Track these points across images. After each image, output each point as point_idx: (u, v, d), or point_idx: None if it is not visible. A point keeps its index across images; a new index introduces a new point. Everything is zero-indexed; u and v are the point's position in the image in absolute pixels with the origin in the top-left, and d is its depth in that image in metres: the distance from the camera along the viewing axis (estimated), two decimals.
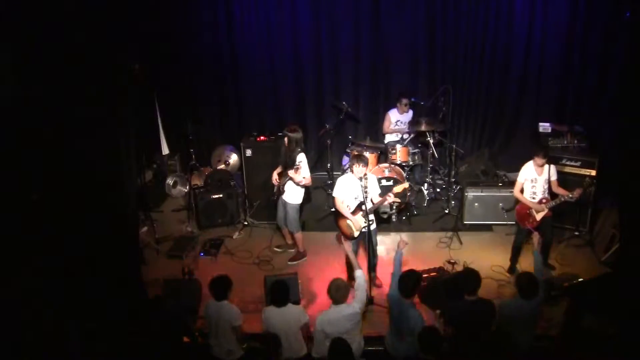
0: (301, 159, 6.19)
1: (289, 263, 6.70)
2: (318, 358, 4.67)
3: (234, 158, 8.69)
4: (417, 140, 8.13)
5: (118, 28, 5.27)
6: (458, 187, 7.99)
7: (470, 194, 7.29)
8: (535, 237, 5.44)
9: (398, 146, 7.67)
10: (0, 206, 4.62)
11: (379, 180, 6.99)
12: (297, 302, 5.41)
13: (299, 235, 6.61)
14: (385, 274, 5.99)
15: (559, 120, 8.09)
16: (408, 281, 4.66)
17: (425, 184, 8.10)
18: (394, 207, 7.26)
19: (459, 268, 6.15)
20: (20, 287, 4.69)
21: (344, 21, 8.38)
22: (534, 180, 6.01)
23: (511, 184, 6.72)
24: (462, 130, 8.91)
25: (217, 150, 8.83)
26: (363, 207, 5.67)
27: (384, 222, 7.37)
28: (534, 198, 6.03)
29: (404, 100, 7.95)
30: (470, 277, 4.75)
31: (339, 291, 4.65)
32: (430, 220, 7.60)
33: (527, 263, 6.30)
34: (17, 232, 4.68)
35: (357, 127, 8.89)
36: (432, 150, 7.82)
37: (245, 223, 7.58)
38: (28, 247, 4.73)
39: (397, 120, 8.11)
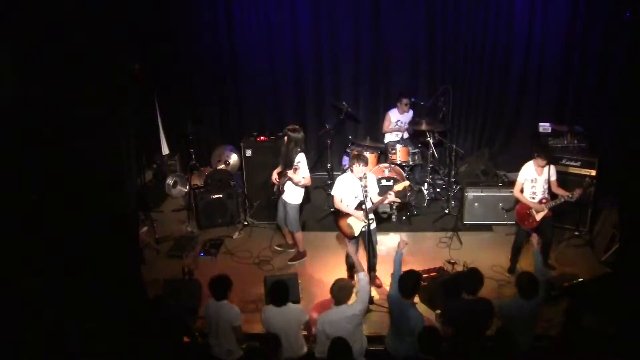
0: (300, 159, 6.19)
1: (289, 263, 6.71)
2: (321, 358, 4.67)
3: (234, 158, 8.69)
4: (417, 140, 8.14)
5: (118, 28, 5.26)
6: (458, 187, 7.99)
7: (470, 194, 7.29)
8: (534, 238, 5.45)
9: (398, 146, 7.67)
10: (0, 206, 4.62)
11: (379, 180, 7.00)
12: (296, 302, 5.41)
13: (299, 235, 6.61)
14: (385, 274, 5.99)
15: (559, 120, 8.09)
16: (408, 281, 4.66)
17: (425, 184, 8.10)
18: (394, 206, 7.26)
19: (459, 268, 6.15)
20: (20, 287, 4.69)
21: (344, 21, 8.38)
22: (534, 180, 6.01)
23: (511, 184, 6.72)
24: (462, 130, 8.91)
25: (217, 150, 8.83)
26: (363, 206, 5.67)
27: (384, 222, 7.37)
28: (533, 198, 6.03)
29: (404, 100, 7.95)
30: (473, 276, 4.74)
31: (341, 291, 4.65)
32: (430, 220, 7.60)
33: (527, 263, 6.30)
34: (17, 232, 4.68)
35: (357, 127, 8.89)
36: (432, 150, 7.82)
37: (245, 223, 7.58)
38: (28, 247, 4.73)
39: (397, 120, 8.11)
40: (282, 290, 4.80)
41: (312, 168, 7.91)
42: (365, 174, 5.72)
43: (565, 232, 7.06)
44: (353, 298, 4.81)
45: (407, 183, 6.29)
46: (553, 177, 6.00)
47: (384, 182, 7.14)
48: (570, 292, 5.76)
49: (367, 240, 5.77)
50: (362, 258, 6.07)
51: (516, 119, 8.72)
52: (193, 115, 8.66)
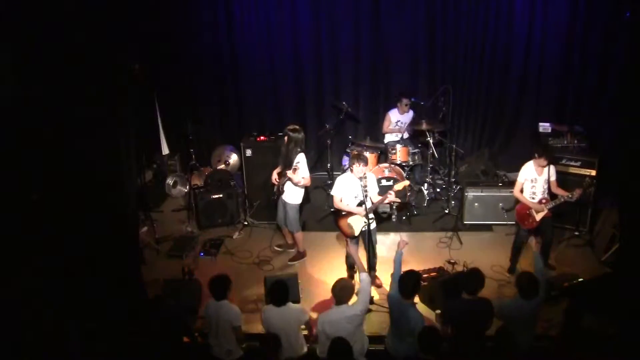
0: (300, 159, 6.19)
1: (289, 263, 6.70)
2: (323, 358, 4.67)
3: (234, 158, 8.69)
4: (417, 140, 8.14)
5: (118, 28, 5.27)
6: (458, 187, 7.99)
7: (470, 194, 7.29)
8: (532, 241, 5.45)
9: (398, 146, 7.67)
10: (0, 206, 4.62)
11: (379, 180, 7.00)
12: (296, 302, 5.41)
13: (298, 235, 6.61)
14: (385, 274, 5.99)
15: (559, 120, 8.09)
16: (408, 281, 4.66)
17: (425, 184, 8.10)
18: (394, 206, 7.26)
19: (459, 268, 6.15)
20: (20, 287, 4.69)
21: (344, 21, 8.39)
22: (533, 180, 6.01)
23: (511, 184, 6.72)
24: (462, 130, 8.91)
25: (217, 150, 8.83)
26: (363, 206, 5.67)
27: (384, 222, 7.37)
28: (533, 198, 6.03)
29: (405, 101, 7.95)
30: (474, 277, 4.74)
31: (342, 291, 4.65)
32: (430, 220, 7.60)
33: (527, 263, 6.30)
34: (17, 232, 4.68)
35: (357, 127, 8.89)
36: (432, 150, 7.82)
37: (245, 223, 7.58)
38: (28, 247, 4.73)
39: (397, 120, 8.11)
40: (282, 290, 4.79)
41: (312, 168, 7.91)
42: (365, 173, 5.72)
43: (565, 232, 7.06)
44: (354, 298, 4.81)
45: (407, 182, 6.29)
46: (553, 177, 6.00)
47: (384, 182, 7.14)
48: (570, 292, 5.76)
49: (367, 240, 5.77)
50: (361, 258, 6.08)
51: (516, 119, 8.72)
52: (193, 115, 8.66)
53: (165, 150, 8.87)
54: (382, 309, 5.59)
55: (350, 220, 5.84)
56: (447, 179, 8.22)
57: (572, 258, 6.64)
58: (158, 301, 5.27)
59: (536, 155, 5.92)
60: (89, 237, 5.11)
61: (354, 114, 8.53)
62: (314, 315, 5.23)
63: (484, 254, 6.71)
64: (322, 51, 8.57)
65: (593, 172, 6.81)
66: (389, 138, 8.22)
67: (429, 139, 7.68)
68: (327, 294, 5.83)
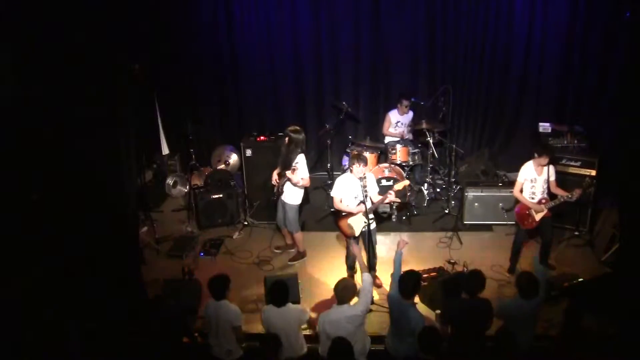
0: (299, 160, 6.18)
1: (289, 263, 6.70)
2: (324, 357, 4.67)
3: (234, 158, 8.69)
4: (417, 140, 8.14)
5: (118, 28, 5.27)
6: (458, 187, 7.99)
7: (470, 194, 7.29)
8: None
9: (398, 146, 7.67)
10: (0, 206, 4.62)
11: (379, 180, 7.00)
12: (296, 302, 5.41)
13: (298, 235, 6.61)
14: (385, 274, 5.99)
15: (559, 120, 8.09)
16: (408, 282, 4.66)
17: (425, 184, 8.10)
18: (394, 206, 7.26)
19: (459, 268, 6.15)
20: (20, 287, 4.70)
21: (344, 21, 8.38)
22: (533, 180, 6.01)
23: (511, 184, 6.72)
24: (462, 130, 8.91)
25: (217, 150, 8.83)
26: (363, 206, 5.67)
27: (384, 222, 7.37)
28: (533, 198, 6.03)
29: (405, 102, 7.94)
30: (475, 278, 4.74)
31: (344, 290, 4.65)
32: (430, 220, 7.60)
33: (527, 263, 6.30)
34: (17, 232, 4.68)
35: (357, 127, 8.89)
36: (432, 150, 7.82)
37: (245, 223, 7.58)
38: (28, 247, 4.73)
39: (397, 121, 8.11)
40: (282, 291, 4.79)
41: (312, 168, 7.91)
42: (364, 174, 5.72)
43: (565, 232, 7.06)
44: (356, 298, 4.81)
45: (406, 182, 6.28)
46: (552, 177, 6.00)
47: (384, 182, 7.13)
48: (570, 292, 5.76)
49: (367, 240, 5.77)
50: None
51: (516, 119, 8.72)
52: (193, 115, 8.66)
53: (165, 150, 8.87)
54: (382, 309, 5.59)
55: (351, 220, 5.84)
56: (447, 179, 8.22)
57: (572, 258, 6.64)
58: (158, 301, 5.27)
59: (536, 154, 5.92)
60: (89, 237, 5.11)
61: (354, 114, 8.53)
62: (314, 315, 5.22)
63: (484, 254, 6.70)
64: (322, 51, 8.57)
65: (593, 172, 6.81)
66: (389, 138, 8.22)
67: (429, 139, 7.68)
68: (327, 294, 5.87)
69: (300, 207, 6.61)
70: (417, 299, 5.13)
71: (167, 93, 8.72)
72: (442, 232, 7.23)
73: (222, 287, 4.84)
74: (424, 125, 7.68)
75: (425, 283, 5.73)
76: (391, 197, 5.72)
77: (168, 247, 7.08)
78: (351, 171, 5.78)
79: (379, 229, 6.49)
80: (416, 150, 7.87)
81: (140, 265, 6.09)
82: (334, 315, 4.64)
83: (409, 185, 7.19)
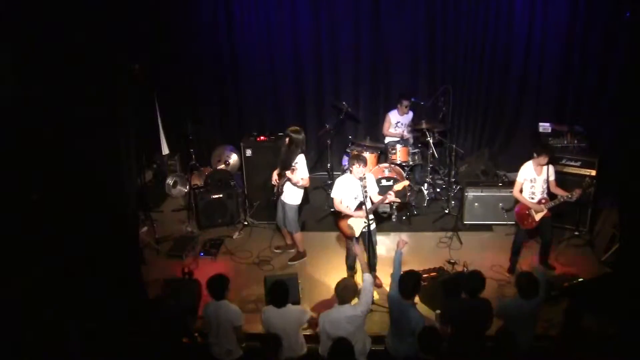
0: (299, 160, 6.18)
1: (289, 263, 6.70)
2: (324, 356, 4.67)
3: (234, 158, 8.69)
4: (417, 140, 8.14)
5: (118, 28, 5.27)
6: (458, 187, 7.99)
7: (470, 194, 7.29)
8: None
9: (398, 146, 7.67)
10: (0, 206, 4.62)
11: (379, 180, 7.00)
12: (296, 303, 5.41)
13: (298, 235, 6.61)
14: (385, 274, 5.99)
15: (559, 120, 8.08)
16: (408, 282, 4.66)
17: (425, 184, 8.10)
18: (394, 206, 7.26)
19: (459, 268, 6.15)
20: (20, 287, 4.70)
21: (344, 21, 8.38)
22: (533, 180, 6.01)
23: (511, 184, 6.71)
24: (462, 130, 8.91)
25: (217, 150, 8.84)
26: (363, 207, 5.67)
27: (384, 222, 7.36)
28: (532, 198, 6.03)
29: (405, 102, 7.95)
30: (475, 279, 4.74)
31: (345, 290, 4.65)
32: (430, 220, 7.60)
33: (527, 263, 6.31)
34: (17, 232, 4.68)
35: (357, 127, 8.89)
36: (432, 150, 7.82)
37: (245, 223, 7.58)
38: (28, 247, 4.73)
39: (397, 121, 8.11)
40: (282, 291, 4.78)
41: (312, 168, 7.91)
42: (364, 174, 5.71)
43: (565, 232, 7.05)
44: (357, 299, 4.81)
45: (406, 182, 6.28)
46: (552, 177, 6.00)
47: (384, 182, 7.13)
48: (570, 292, 5.75)
49: (367, 240, 5.77)
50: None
51: (516, 119, 8.72)
52: (193, 115, 8.66)
53: (165, 150, 8.88)
54: (382, 309, 5.59)
55: (351, 221, 5.84)
56: (447, 179, 8.22)
57: (572, 258, 6.64)
58: (158, 301, 5.27)
59: (535, 154, 5.92)
60: (89, 237, 5.11)
61: (354, 114, 8.53)
62: (315, 315, 5.21)
63: (484, 254, 6.70)
64: (322, 51, 8.57)
65: (593, 172, 6.81)
66: (389, 138, 8.22)
67: (429, 139, 7.68)
68: (327, 294, 5.87)
69: (300, 207, 6.62)
70: (417, 299, 5.13)
71: (167, 93, 8.73)
72: (442, 232, 7.23)
73: (222, 288, 4.83)
74: (424, 125, 7.68)
75: (425, 283, 5.73)
76: (391, 197, 5.72)
77: (168, 247, 7.08)
78: (351, 172, 5.77)
79: (379, 229, 6.49)
80: (416, 150, 7.87)
81: (140, 265, 6.09)
82: (334, 315, 4.64)
83: (409, 185, 7.19)
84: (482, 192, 7.29)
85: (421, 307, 5.48)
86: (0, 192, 4.63)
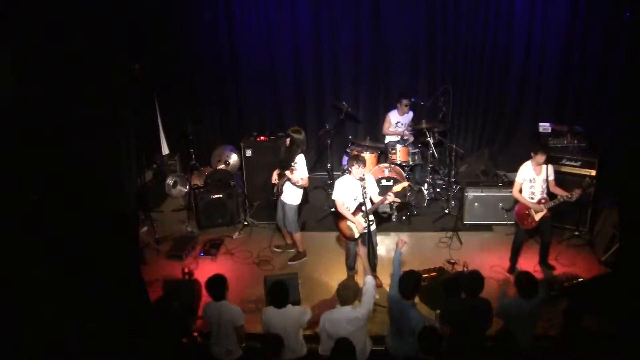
0: (298, 160, 6.18)
1: (289, 263, 6.70)
2: (324, 356, 4.67)
3: (234, 158, 8.69)
4: (417, 140, 8.14)
5: (118, 28, 5.27)
6: (458, 187, 7.99)
7: (470, 194, 7.29)
8: None
9: (398, 146, 7.67)
10: (0, 206, 4.62)
11: (379, 180, 6.99)
12: (297, 303, 5.40)
13: (297, 235, 6.61)
14: (385, 274, 6.00)
15: (559, 120, 8.08)
16: (408, 282, 4.66)
17: (425, 184, 8.10)
18: (394, 206, 7.26)
19: (459, 268, 6.15)
20: (20, 287, 4.70)
21: (344, 21, 8.38)
22: (532, 180, 6.01)
23: (511, 184, 6.69)
24: (462, 130, 8.91)
25: (217, 150, 8.83)
26: (363, 207, 5.67)
27: (384, 222, 7.36)
28: (532, 198, 6.03)
29: (405, 102, 7.94)
30: (475, 279, 4.74)
31: (345, 290, 4.65)
32: (430, 220, 7.60)
33: (527, 263, 6.30)
34: (17, 232, 4.68)
35: (357, 127, 8.89)
36: (432, 150, 7.81)
37: (245, 223, 7.58)
38: (28, 247, 4.73)
39: (397, 121, 8.10)
40: (282, 292, 4.78)
41: (312, 168, 7.91)
42: (364, 174, 5.71)
43: (565, 232, 7.05)
44: (358, 301, 4.81)
45: (406, 184, 6.26)
46: (551, 177, 6.00)
47: (384, 182, 7.14)
48: (570, 292, 5.76)
49: (367, 241, 5.76)
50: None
51: (516, 119, 8.72)
52: (193, 115, 8.65)
53: (165, 150, 8.88)
54: (382, 309, 5.58)
55: (350, 222, 5.83)
56: (447, 179, 8.22)
57: (572, 258, 6.64)
58: (162, 302, 5.24)
59: (532, 153, 5.93)
60: (89, 237, 5.11)
61: (354, 114, 8.53)
62: (314, 315, 5.21)
63: (484, 254, 6.71)
64: (322, 51, 8.57)
65: (593, 172, 6.80)
66: (389, 138, 8.22)
67: (429, 139, 7.68)
68: (327, 294, 5.88)
69: (300, 207, 6.62)
70: (417, 299, 5.13)
71: (167, 93, 8.72)
72: (442, 232, 7.23)
73: (221, 288, 4.82)
74: (424, 125, 7.68)
75: (425, 283, 5.72)
76: (390, 198, 5.71)
77: (168, 247, 7.07)
78: (350, 172, 5.77)
79: (379, 229, 6.49)
80: (416, 150, 7.87)
81: (140, 265, 6.09)
82: (335, 316, 4.65)
83: (409, 185, 7.19)
84: (482, 192, 7.29)
85: (421, 307, 5.48)
86: (0, 192, 4.63)
